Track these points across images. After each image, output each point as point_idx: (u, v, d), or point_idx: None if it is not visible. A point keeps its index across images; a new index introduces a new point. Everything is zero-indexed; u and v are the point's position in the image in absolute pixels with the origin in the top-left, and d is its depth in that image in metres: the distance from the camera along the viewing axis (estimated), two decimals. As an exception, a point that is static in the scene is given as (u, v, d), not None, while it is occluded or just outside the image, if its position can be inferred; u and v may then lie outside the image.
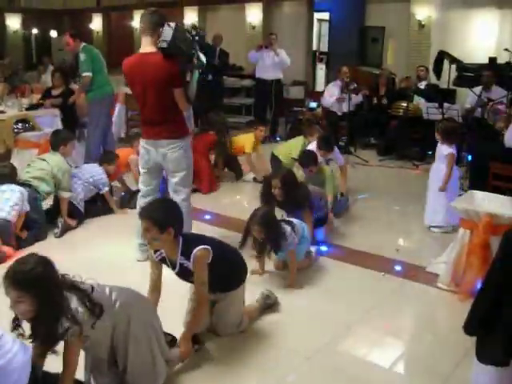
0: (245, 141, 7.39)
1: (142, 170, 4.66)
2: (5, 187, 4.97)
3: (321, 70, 14.80)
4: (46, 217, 5.43)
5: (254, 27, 13.12)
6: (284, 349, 3.45)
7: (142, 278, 3.51)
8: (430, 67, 9.18)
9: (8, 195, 4.91)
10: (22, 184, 5.22)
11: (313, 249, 4.78)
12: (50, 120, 7.44)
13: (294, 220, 4.52)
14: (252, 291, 3.83)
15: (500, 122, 6.76)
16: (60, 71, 8.18)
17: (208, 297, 3.32)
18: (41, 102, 7.87)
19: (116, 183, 6.52)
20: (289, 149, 6.81)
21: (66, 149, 5.70)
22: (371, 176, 7.89)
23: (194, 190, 6.33)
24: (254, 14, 13.09)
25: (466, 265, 4.09)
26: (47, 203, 5.68)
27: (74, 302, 2.50)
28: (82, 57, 6.93)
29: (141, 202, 4.55)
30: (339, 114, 9.46)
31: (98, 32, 17.42)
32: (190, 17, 14.44)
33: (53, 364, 2.67)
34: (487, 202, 4.31)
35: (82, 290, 2.57)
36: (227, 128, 7.62)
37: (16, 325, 2.52)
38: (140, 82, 4.33)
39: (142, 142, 4.53)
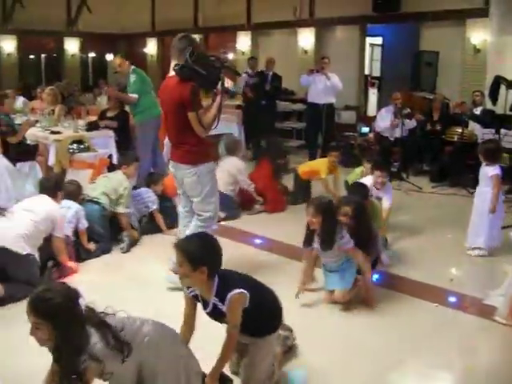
0: (319, 165, 7.34)
1: (178, 191, 4.80)
2: (63, 203, 5.14)
3: (373, 95, 14.70)
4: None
5: (306, 51, 13.17)
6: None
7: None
8: (486, 92, 8.98)
9: (64, 211, 5.06)
10: (90, 201, 5.53)
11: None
12: (104, 141, 7.58)
13: None
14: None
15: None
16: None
17: (236, 338, 3.05)
18: (98, 122, 8.04)
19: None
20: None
21: (129, 169, 5.92)
22: (424, 203, 7.73)
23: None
24: (306, 39, 13.15)
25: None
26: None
27: (96, 339, 2.41)
28: (132, 78, 7.25)
29: (180, 223, 4.75)
30: (392, 139, 9.34)
31: (152, 56, 17.81)
32: (243, 41, 14.61)
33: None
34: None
35: (109, 326, 2.47)
36: (283, 152, 7.63)
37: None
38: (163, 104, 4.57)
39: (170, 165, 4.66)
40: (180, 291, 3.38)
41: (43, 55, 18.68)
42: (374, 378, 3.40)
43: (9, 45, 16.82)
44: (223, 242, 5.75)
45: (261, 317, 3.09)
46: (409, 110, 9.13)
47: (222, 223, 6.50)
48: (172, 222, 5.85)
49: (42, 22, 15.79)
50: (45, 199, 4.87)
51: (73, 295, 2.43)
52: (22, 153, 7.18)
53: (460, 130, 8.57)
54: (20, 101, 10.83)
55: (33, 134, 7.48)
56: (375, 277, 4.85)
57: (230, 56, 15.23)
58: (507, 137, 7.70)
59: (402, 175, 8.74)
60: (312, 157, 9.68)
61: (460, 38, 10.37)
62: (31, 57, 18.43)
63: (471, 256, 5.53)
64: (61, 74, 17.33)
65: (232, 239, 5.86)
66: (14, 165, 7.06)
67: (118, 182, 5.74)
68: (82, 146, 7.19)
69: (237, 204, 7.02)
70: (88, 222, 5.34)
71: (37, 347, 2.47)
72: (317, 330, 4.00)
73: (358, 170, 6.56)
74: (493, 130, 7.94)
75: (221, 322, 3.07)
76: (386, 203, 5.71)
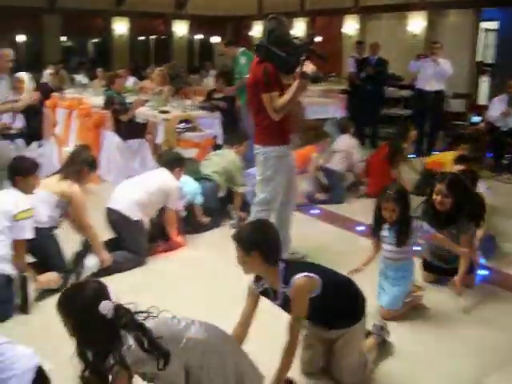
0: (445, 158, 7.06)
1: None
2: (182, 180, 5.35)
3: (484, 83, 14.02)
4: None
5: (415, 36, 12.75)
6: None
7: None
8: None
9: (180, 186, 5.24)
10: (203, 178, 5.72)
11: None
12: (210, 122, 7.68)
13: None
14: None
15: None
16: (223, 76, 8.45)
17: (298, 336, 2.86)
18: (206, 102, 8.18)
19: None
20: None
21: (241, 148, 6.05)
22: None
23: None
24: (417, 23, 12.72)
25: None
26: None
27: (130, 343, 2.29)
28: (242, 60, 7.30)
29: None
30: (505, 129, 8.87)
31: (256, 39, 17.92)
32: (350, 25, 14.36)
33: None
34: None
35: (144, 329, 2.33)
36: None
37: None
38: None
39: None
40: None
41: (152, 37, 19.26)
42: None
43: (121, 26, 17.45)
44: (323, 226, 5.81)
45: (340, 304, 2.96)
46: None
47: (324, 206, 6.46)
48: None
49: (153, 4, 16.26)
50: (163, 172, 5.06)
51: (100, 296, 2.31)
52: (132, 131, 7.44)
53: None
54: (131, 80, 11.22)
55: (142, 113, 7.71)
56: (483, 273, 4.62)
57: (318, 39, 14.81)
58: None
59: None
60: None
61: None
62: (141, 38, 19.04)
63: None
64: (169, 55, 17.78)
65: (333, 224, 5.85)
66: (125, 142, 7.35)
67: (230, 160, 5.86)
68: (189, 126, 7.33)
69: (343, 187, 6.97)
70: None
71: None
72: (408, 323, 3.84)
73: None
74: None
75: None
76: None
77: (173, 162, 5.20)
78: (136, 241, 4.69)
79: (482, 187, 5.08)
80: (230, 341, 2.73)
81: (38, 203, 4.12)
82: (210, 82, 11.96)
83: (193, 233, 5.45)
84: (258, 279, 2.94)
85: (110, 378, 2.32)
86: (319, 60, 4.07)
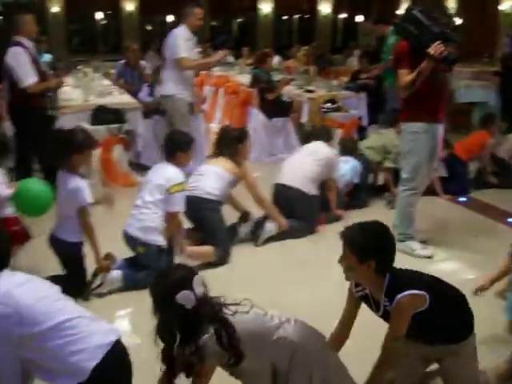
0: None
1: None
2: (342, 158, 5.44)
3: None
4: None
5: None
6: None
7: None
8: None
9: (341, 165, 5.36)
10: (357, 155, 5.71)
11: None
12: (355, 102, 7.58)
13: None
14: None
15: None
16: (367, 57, 8.29)
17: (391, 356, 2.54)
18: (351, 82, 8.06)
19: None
20: None
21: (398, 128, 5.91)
22: None
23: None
24: None
25: None
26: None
27: (210, 334, 2.23)
28: (391, 39, 6.99)
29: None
30: None
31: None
32: (509, 2, 13.50)
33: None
34: None
35: (226, 324, 2.27)
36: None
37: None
38: None
39: None
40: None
41: (296, 16, 19.30)
42: None
43: (266, 6, 17.65)
44: (469, 214, 5.50)
45: (447, 318, 2.55)
46: None
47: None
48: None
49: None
50: (322, 145, 5.12)
51: (182, 285, 2.24)
52: (278, 109, 7.49)
53: None
54: (276, 60, 11.31)
55: (288, 92, 7.75)
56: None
57: (459, 22, 13.89)
58: None
59: None
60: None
61: None
62: (285, 18, 19.16)
63: None
64: (312, 35, 17.73)
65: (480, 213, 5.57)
66: (270, 120, 7.44)
67: (389, 139, 5.77)
68: (334, 106, 7.28)
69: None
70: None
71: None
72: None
73: None
74: None
75: None
76: None
77: (327, 135, 5.32)
78: (311, 214, 4.90)
79: None
80: (324, 347, 2.52)
81: (213, 176, 4.36)
82: (353, 62, 11.77)
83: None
84: (358, 283, 2.64)
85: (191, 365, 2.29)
86: (451, 44, 3.93)
